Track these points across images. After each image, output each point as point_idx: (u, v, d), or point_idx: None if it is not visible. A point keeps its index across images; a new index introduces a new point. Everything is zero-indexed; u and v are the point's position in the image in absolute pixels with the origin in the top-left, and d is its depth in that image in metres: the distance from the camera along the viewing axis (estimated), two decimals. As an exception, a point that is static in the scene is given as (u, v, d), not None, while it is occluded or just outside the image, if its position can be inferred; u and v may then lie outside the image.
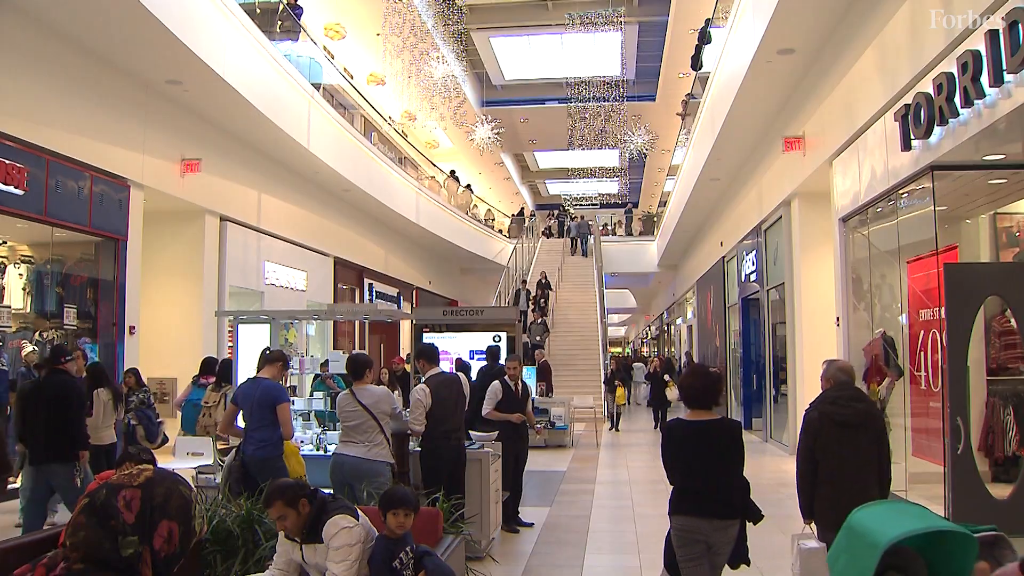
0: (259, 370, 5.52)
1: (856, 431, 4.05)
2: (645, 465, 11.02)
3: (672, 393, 14.57)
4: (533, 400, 9.52)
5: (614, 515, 7.82)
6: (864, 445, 4.06)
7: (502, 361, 9.23)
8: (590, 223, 28.03)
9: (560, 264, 25.11)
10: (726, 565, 3.81)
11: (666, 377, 15.50)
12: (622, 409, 16.09)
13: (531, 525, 6.87)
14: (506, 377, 6.97)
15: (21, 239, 9.06)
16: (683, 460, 3.80)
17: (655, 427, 15.49)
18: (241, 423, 5.42)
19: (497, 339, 9.31)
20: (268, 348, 5.71)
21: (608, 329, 22.70)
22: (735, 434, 3.85)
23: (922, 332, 6.99)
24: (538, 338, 18.14)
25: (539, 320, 19.24)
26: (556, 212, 31.72)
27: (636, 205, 35.33)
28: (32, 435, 5.82)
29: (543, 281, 21.53)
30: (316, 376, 8.83)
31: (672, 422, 3.95)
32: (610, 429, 15.56)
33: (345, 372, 7.71)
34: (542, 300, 20.81)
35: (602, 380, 17.44)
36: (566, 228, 28.73)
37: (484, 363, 8.74)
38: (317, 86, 13.78)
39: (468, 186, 27.03)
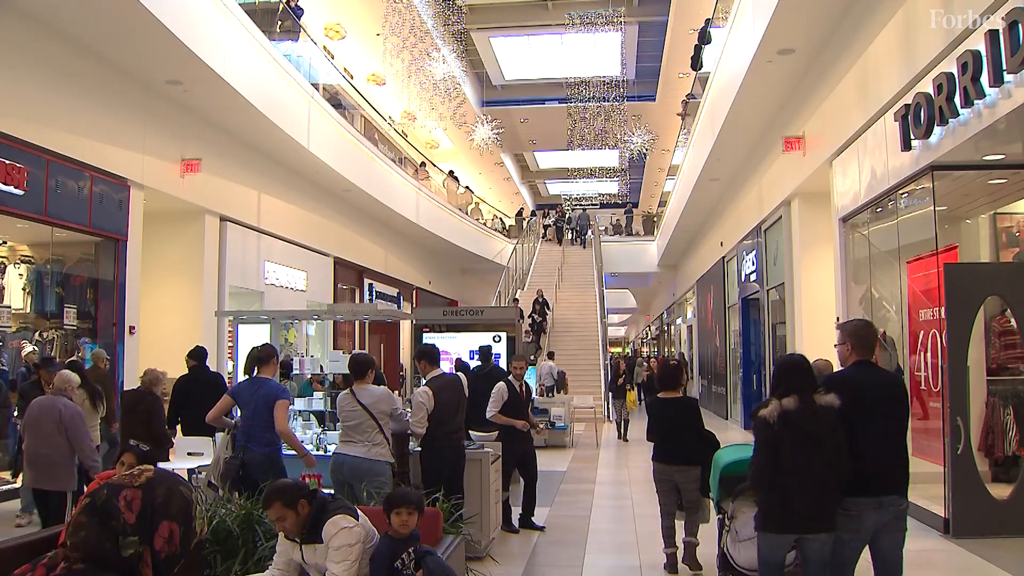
0: (253, 369, 5.51)
1: None
2: (645, 465, 10.98)
3: None
4: (533, 400, 9.48)
5: (614, 515, 7.82)
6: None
7: (502, 364, 9.22)
8: (590, 217, 28.19)
9: (560, 264, 25.10)
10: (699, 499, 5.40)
11: None
12: (630, 415, 14.33)
13: (543, 529, 6.77)
14: (511, 378, 6.87)
15: (21, 239, 9.06)
16: (657, 424, 5.60)
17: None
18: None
19: (497, 339, 9.30)
20: (256, 346, 5.68)
21: (608, 329, 22.66)
22: (692, 407, 5.62)
23: (922, 332, 6.98)
24: (532, 357, 17.76)
25: (531, 339, 18.24)
26: (555, 216, 29.63)
27: (636, 205, 35.31)
28: (191, 419, 7.01)
29: (540, 299, 20.10)
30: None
31: (650, 398, 6.09)
32: (620, 438, 13.89)
33: (338, 374, 7.79)
34: (539, 318, 19.61)
35: (604, 383, 16.75)
36: (565, 230, 28.58)
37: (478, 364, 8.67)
38: (316, 86, 13.79)
39: (467, 187, 27.05)
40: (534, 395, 7.01)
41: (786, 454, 3.52)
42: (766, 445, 3.58)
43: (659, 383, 5.80)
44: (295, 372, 8.97)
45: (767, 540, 3.69)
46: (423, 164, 22.00)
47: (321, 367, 8.92)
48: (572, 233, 28.02)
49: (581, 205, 32.55)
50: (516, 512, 6.91)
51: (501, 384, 6.76)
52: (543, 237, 28.38)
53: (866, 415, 3.58)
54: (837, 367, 4.02)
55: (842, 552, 3.62)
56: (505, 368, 9.07)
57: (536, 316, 19.67)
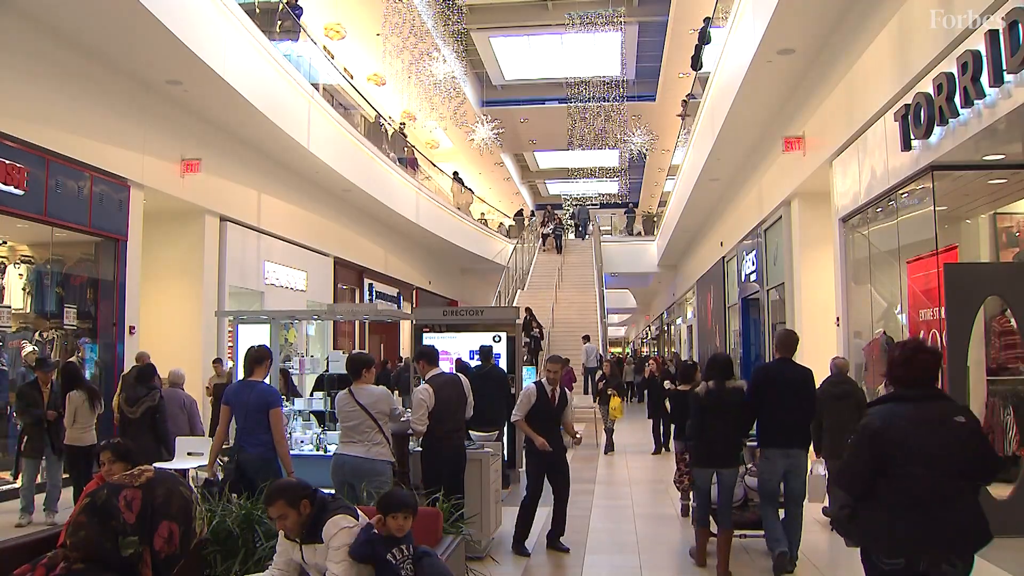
0: (248, 371, 5.51)
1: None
2: (645, 465, 11.00)
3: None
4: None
5: (614, 515, 7.81)
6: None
7: (502, 364, 9.19)
8: (589, 212, 28.65)
9: (560, 264, 25.08)
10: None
11: (667, 384, 11.86)
12: (614, 425, 12.71)
13: (568, 551, 6.14)
14: (544, 380, 6.21)
15: (21, 239, 9.06)
16: (676, 410, 7.07)
17: (655, 450, 12.31)
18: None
19: (497, 339, 9.27)
20: (252, 347, 5.68)
21: (608, 329, 22.65)
22: None
23: (922, 332, 6.98)
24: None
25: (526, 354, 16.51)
26: (553, 225, 27.73)
27: (636, 205, 35.31)
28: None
29: (528, 319, 17.91)
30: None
31: (670, 391, 8.40)
32: (606, 453, 12.38)
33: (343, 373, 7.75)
34: (537, 334, 18.34)
35: (592, 390, 15.68)
36: (566, 228, 28.58)
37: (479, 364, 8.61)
38: (316, 86, 13.79)
39: (469, 189, 27.04)
40: (570, 399, 6.25)
41: (708, 418, 5.41)
42: (699, 411, 5.45)
43: (679, 378, 7.78)
44: (295, 372, 8.97)
45: (696, 472, 5.59)
46: (415, 160, 21.79)
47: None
48: (573, 230, 28.08)
49: (580, 203, 32.59)
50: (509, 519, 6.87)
51: (531, 386, 6.17)
52: (542, 246, 27.43)
53: (778, 394, 5.36)
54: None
55: (765, 485, 5.45)
56: (506, 369, 9.07)
57: (534, 327, 19.09)
